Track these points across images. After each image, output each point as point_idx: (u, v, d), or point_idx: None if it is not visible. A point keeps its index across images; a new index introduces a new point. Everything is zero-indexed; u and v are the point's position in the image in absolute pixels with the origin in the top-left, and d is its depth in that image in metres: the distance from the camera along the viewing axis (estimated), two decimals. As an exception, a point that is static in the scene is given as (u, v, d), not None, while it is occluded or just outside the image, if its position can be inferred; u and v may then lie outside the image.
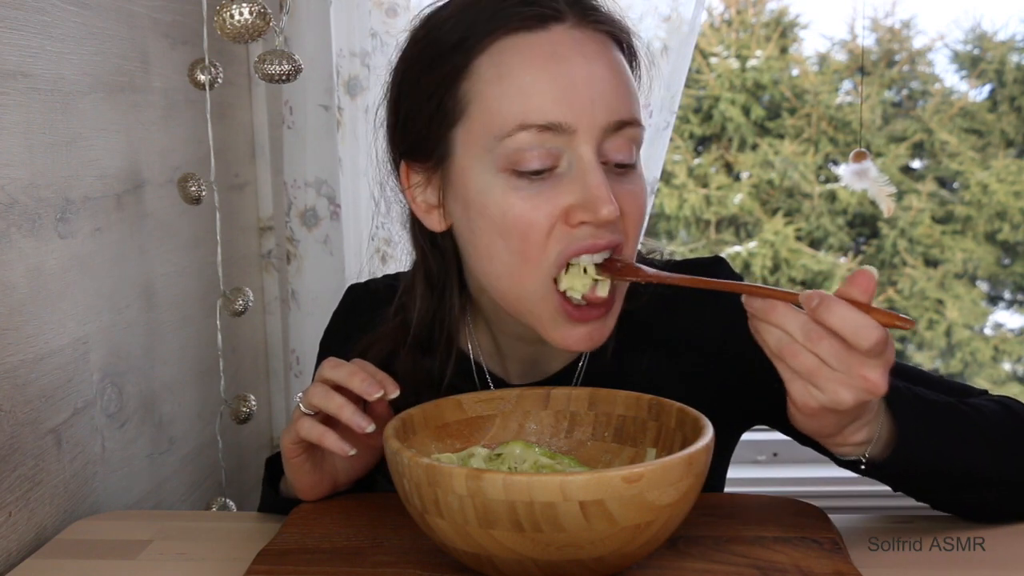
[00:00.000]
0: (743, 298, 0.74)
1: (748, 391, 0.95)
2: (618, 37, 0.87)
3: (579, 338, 0.85)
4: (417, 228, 0.93)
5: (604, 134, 0.81)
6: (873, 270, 0.71)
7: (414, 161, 0.89)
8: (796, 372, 0.72)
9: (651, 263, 0.97)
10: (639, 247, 1.02)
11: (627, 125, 0.83)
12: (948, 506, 0.90)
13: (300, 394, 0.88)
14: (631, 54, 0.89)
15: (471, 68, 0.83)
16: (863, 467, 0.82)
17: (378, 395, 0.84)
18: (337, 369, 0.86)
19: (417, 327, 0.94)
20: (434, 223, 0.89)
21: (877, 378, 0.70)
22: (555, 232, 0.82)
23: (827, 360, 0.70)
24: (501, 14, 0.82)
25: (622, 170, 0.84)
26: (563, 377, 0.97)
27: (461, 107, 0.83)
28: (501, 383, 0.98)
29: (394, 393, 0.85)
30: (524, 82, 0.80)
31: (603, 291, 0.84)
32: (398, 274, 1.06)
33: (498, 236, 0.83)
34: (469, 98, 0.83)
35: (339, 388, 0.86)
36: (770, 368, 0.86)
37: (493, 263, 0.85)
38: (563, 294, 0.83)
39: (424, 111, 0.86)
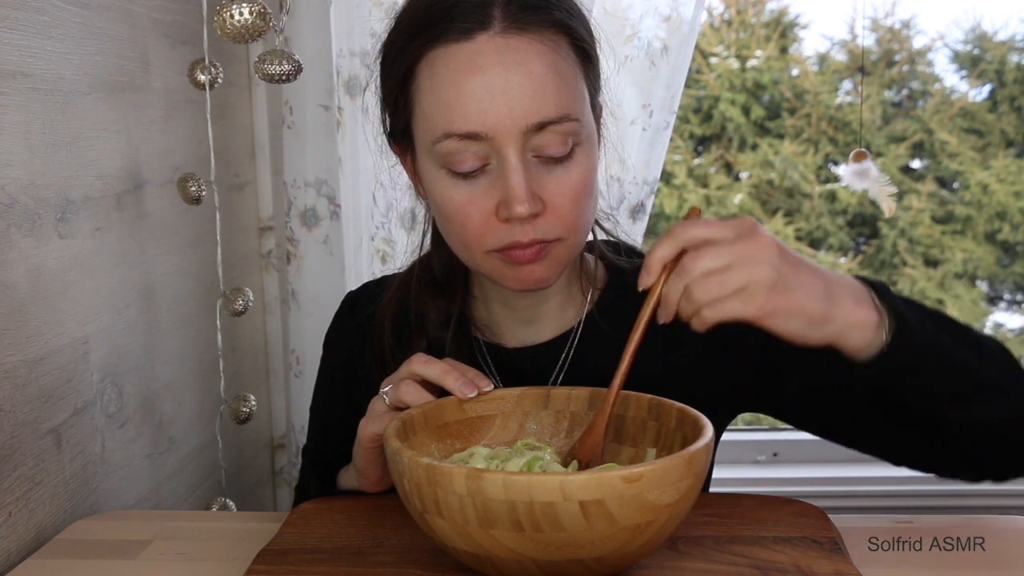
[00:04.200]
0: (659, 318, 0.79)
1: (736, 374, 0.98)
2: (558, 33, 0.89)
3: (525, 276, 0.91)
4: (417, 193, 1.02)
5: (526, 136, 0.86)
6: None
7: (395, 141, 0.97)
8: (723, 299, 0.75)
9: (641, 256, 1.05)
10: (615, 238, 1.08)
11: (553, 123, 0.87)
12: (955, 430, 0.86)
13: (387, 387, 0.89)
14: (579, 43, 0.91)
15: (415, 73, 0.90)
16: (887, 349, 0.80)
17: (472, 395, 0.86)
18: (429, 366, 0.88)
19: (436, 265, 1.02)
20: (421, 191, 0.98)
21: (756, 240, 0.75)
22: (488, 224, 0.89)
23: (716, 267, 0.75)
24: (433, 26, 0.88)
25: (556, 161, 0.88)
26: (556, 344, 1.01)
27: (412, 106, 0.91)
28: (495, 349, 1.02)
29: (487, 388, 0.88)
30: (449, 94, 0.86)
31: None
32: (393, 274, 1.11)
33: (444, 221, 0.92)
34: (415, 100, 0.90)
35: (426, 383, 0.88)
36: (758, 352, 0.88)
37: (446, 238, 0.95)
38: (502, 251, 0.89)
39: (391, 102, 0.94)
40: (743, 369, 0.97)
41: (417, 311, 1.02)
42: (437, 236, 1.02)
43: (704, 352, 0.98)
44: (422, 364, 0.88)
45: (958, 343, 0.84)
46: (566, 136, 0.87)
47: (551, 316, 1.02)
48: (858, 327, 0.79)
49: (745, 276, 0.75)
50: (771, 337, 0.83)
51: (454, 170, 0.88)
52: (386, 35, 0.94)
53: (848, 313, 0.79)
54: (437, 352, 0.96)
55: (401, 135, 0.94)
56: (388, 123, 0.97)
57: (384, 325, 1.02)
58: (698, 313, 0.76)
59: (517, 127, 0.85)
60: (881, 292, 0.82)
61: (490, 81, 0.85)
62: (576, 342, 1.01)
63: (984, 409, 0.84)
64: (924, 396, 0.84)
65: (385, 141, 0.99)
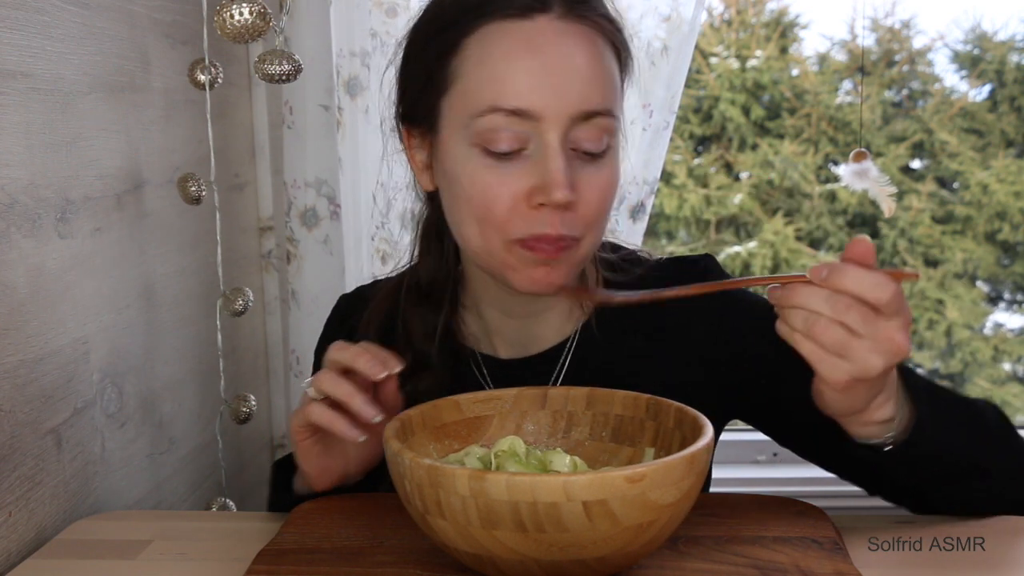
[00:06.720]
0: (767, 291, 0.74)
1: (732, 385, 0.98)
2: (605, 32, 0.90)
3: (539, 278, 0.89)
4: (420, 184, 1.00)
5: (572, 122, 0.86)
6: (867, 237, 0.72)
7: (412, 124, 0.95)
8: (825, 348, 0.71)
9: (639, 261, 1.03)
10: (614, 240, 1.07)
11: (597, 115, 0.87)
12: (938, 502, 0.91)
13: (308, 379, 0.89)
14: (619, 49, 0.92)
15: (461, 46, 0.88)
16: (888, 448, 0.81)
17: (382, 375, 0.85)
18: (343, 351, 0.87)
19: (422, 275, 1.00)
20: (426, 182, 0.96)
21: (902, 339, 0.70)
22: (517, 210, 0.87)
23: (854, 328, 0.69)
24: (491, 1, 0.87)
25: (590, 158, 0.88)
26: (552, 354, 1.00)
27: (449, 81, 0.89)
28: (490, 360, 1.01)
29: (397, 368, 0.86)
30: (500, 68, 0.86)
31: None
32: (387, 277, 1.11)
33: (467, 204, 0.89)
34: (456, 74, 0.88)
35: (347, 372, 0.87)
36: (757, 366, 0.87)
37: (463, 226, 0.91)
38: (523, 242, 0.87)
39: (421, 78, 0.92)
40: (734, 377, 0.97)
41: (403, 323, 1.01)
42: (425, 244, 1.01)
43: (701, 353, 0.98)
44: (337, 351, 0.87)
45: (972, 425, 0.85)
46: (603, 132, 0.87)
47: (548, 325, 1.01)
48: (873, 424, 0.79)
49: (859, 356, 0.70)
50: (775, 360, 0.82)
51: (490, 149, 0.86)
52: (421, 14, 0.93)
53: (877, 410, 0.78)
54: (424, 365, 0.96)
55: (424, 115, 0.92)
56: (408, 103, 0.95)
57: (369, 338, 1.01)
58: (790, 333, 0.72)
59: (566, 111, 0.85)
60: (908, 381, 0.80)
61: (546, 61, 0.85)
62: (572, 351, 1.00)
63: (971, 489, 0.88)
64: (918, 487, 0.88)
65: (393, 126, 0.97)
